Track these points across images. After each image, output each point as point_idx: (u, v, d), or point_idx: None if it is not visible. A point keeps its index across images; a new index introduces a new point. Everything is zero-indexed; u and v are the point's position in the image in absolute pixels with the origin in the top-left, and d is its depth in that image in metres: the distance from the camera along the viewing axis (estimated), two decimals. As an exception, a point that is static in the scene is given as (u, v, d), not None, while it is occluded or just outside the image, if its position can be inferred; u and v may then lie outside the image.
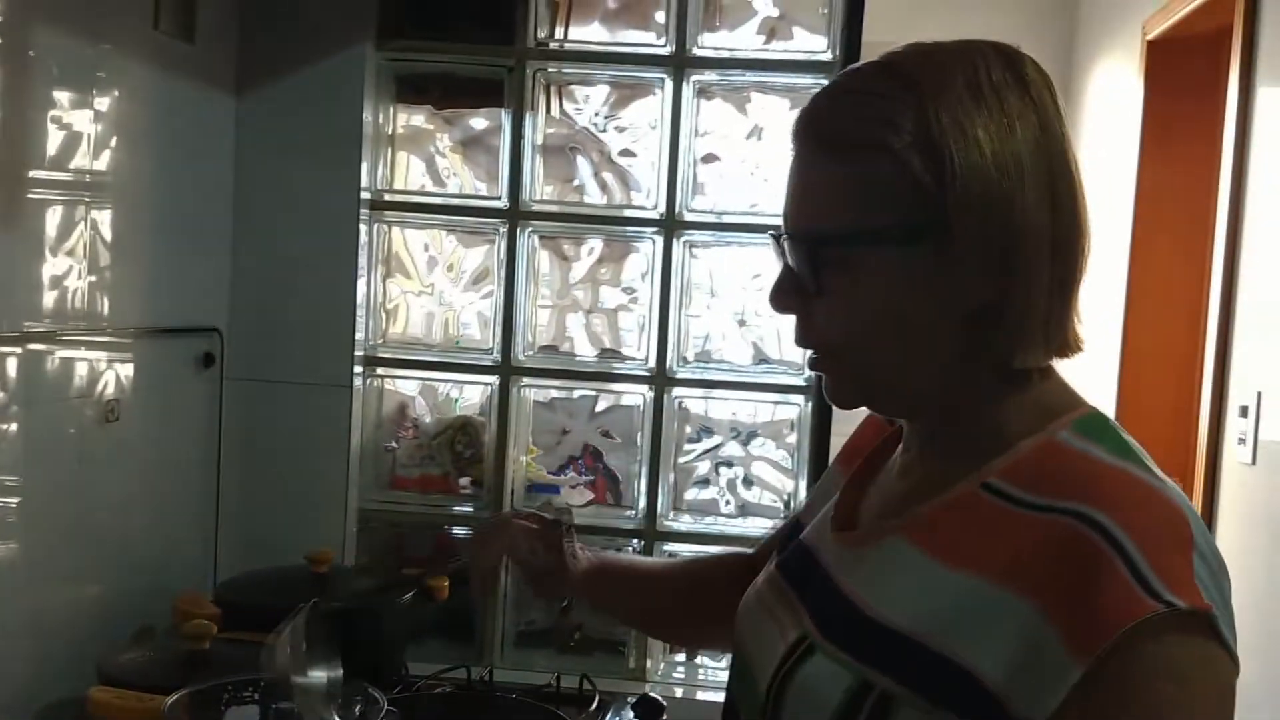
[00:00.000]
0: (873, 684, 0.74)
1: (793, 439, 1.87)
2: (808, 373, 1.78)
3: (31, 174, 1.33)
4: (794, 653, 0.81)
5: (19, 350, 1.30)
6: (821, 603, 0.83)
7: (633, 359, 1.88)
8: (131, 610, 1.49)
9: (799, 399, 1.83)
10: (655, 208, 1.83)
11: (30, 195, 1.33)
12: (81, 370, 1.43)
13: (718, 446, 1.91)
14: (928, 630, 0.73)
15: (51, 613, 1.36)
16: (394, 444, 1.93)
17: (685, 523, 1.87)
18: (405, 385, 1.93)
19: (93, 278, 1.43)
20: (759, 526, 1.85)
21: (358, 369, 1.83)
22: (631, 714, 1.62)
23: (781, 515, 1.88)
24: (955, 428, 0.81)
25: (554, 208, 1.88)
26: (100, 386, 1.47)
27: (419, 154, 1.93)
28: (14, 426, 1.30)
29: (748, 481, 1.94)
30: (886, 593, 0.78)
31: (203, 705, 0.99)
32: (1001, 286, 0.75)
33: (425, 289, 1.93)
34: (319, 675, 1.05)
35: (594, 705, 1.61)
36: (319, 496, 1.80)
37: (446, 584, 1.71)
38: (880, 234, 0.76)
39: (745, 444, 1.92)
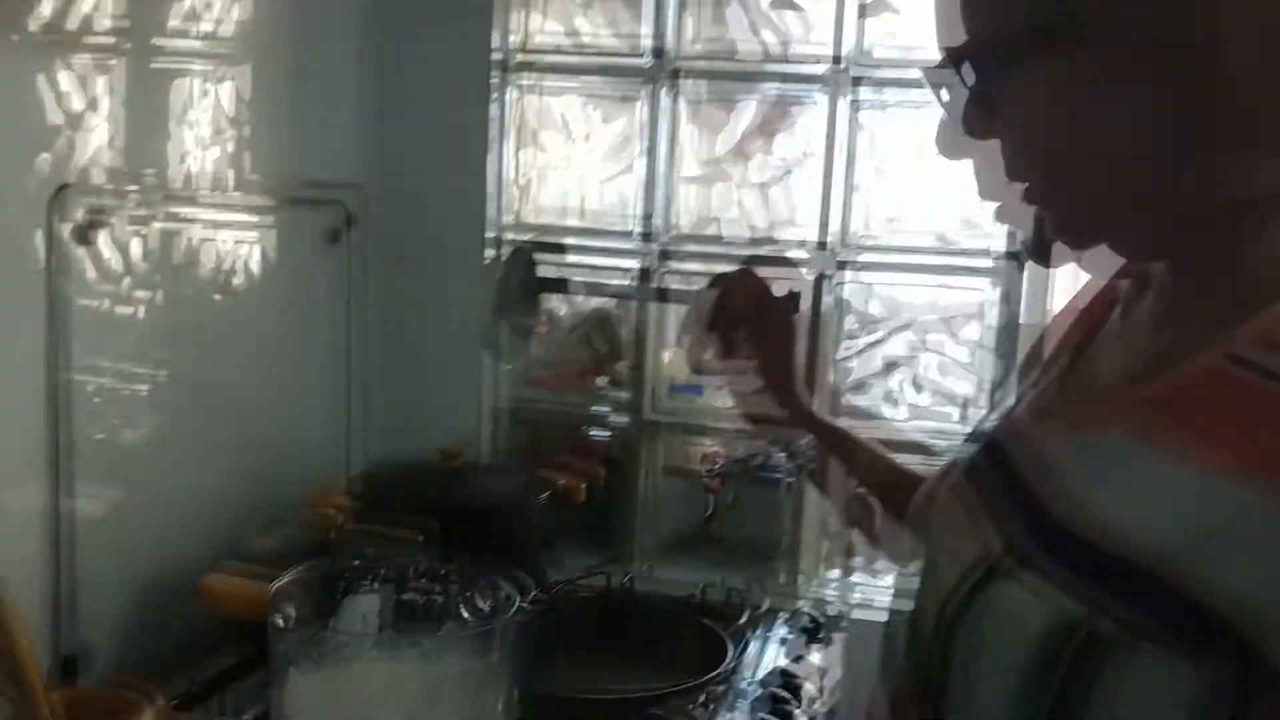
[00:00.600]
0: (1077, 621, 0.56)
1: (975, 332, 1.67)
2: (996, 252, 1.58)
3: (157, 41, 1.23)
4: (972, 577, 0.63)
5: (144, 228, 1.22)
6: (1013, 514, 0.64)
7: (792, 240, 1.69)
8: (262, 500, 1.41)
9: (983, 284, 1.62)
10: (822, 61, 1.62)
11: (155, 64, 1.24)
12: (210, 245, 1.34)
13: (885, 340, 1.72)
14: (1160, 550, 0.54)
15: (180, 499, 1.28)
16: (528, 337, 1.80)
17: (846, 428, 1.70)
18: (540, 271, 1.79)
19: (220, 148, 1.33)
20: (930, 433, 1.66)
21: (489, 252, 1.69)
22: (784, 630, 1.48)
23: (957, 421, 1.69)
24: (1190, 279, 0.62)
25: (704, 64, 1.69)
26: (229, 261, 1.37)
27: (557, 14, 1.75)
28: (142, 305, 1.22)
29: (917, 385, 1.75)
30: (1102, 501, 0.58)
31: (316, 592, 0.88)
32: (1215, 86, 0.58)
33: (562, 163, 1.77)
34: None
35: (742, 619, 1.47)
36: (453, 387, 1.69)
37: (584, 486, 1.59)
38: (1055, 33, 0.61)
39: (919, 338, 1.72)
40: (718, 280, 1.03)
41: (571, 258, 1.73)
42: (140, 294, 1.22)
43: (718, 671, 1.09)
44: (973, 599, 0.62)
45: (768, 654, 1.39)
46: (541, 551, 1.50)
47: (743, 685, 1.24)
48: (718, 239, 1.72)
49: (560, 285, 1.39)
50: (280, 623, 0.74)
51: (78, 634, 1.12)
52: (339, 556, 1.20)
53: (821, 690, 1.31)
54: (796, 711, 1.19)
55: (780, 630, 1.48)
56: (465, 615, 0.91)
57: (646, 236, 1.69)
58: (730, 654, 1.15)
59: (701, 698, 1.13)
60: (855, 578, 1.73)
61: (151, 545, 1.23)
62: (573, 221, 1.76)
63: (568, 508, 1.56)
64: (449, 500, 1.44)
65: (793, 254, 1.67)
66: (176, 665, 1.14)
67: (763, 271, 1.04)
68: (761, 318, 1.00)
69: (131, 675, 1.10)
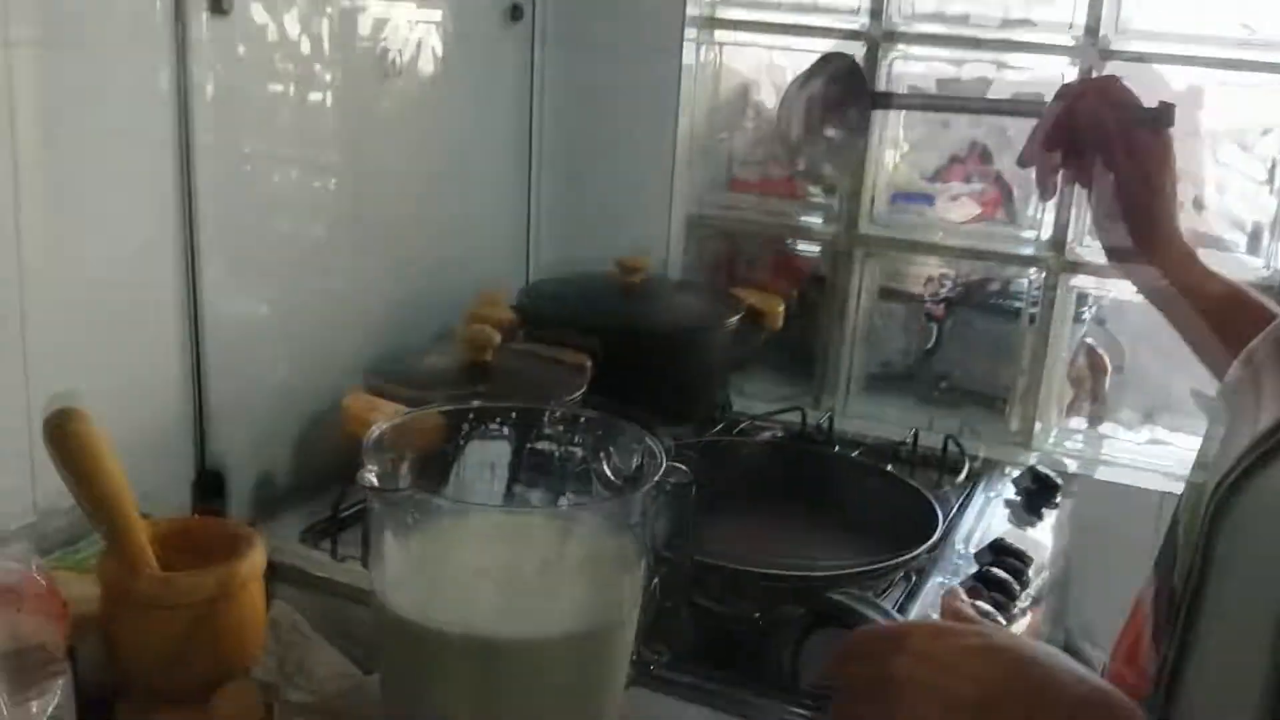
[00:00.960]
0: None
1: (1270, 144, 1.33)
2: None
3: None
4: (1256, 451, 0.53)
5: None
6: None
7: (1049, 22, 1.37)
8: (425, 313, 1.29)
9: None
10: None
11: None
12: (374, 18, 1.17)
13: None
14: None
15: (332, 309, 1.16)
16: (726, 135, 1.57)
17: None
18: (747, 58, 1.54)
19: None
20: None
21: (690, 31, 1.45)
22: (1013, 490, 1.26)
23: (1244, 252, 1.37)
24: None
25: None
26: (395, 39, 1.20)
27: None
28: (292, 85, 1.08)
29: (1197, 203, 1.42)
30: None
31: (438, 432, 0.73)
32: None
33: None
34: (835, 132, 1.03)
35: (962, 474, 1.25)
36: (641, 189, 1.49)
37: (782, 309, 1.39)
38: None
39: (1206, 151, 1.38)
40: (1068, 90, 0.94)
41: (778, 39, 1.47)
42: (290, 73, 1.07)
43: (920, 550, 0.90)
44: (1249, 479, 0.53)
45: (988, 518, 1.18)
46: (727, 383, 1.33)
47: (954, 559, 1.05)
48: (963, 19, 1.41)
49: (886, 100, 1.23)
50: (372, 479, 0.60)
51: (219, 452, 1.04)
52: (492, 380, 1.06)
53: (1048, 568, 1.10)
54: (1018, 595, 0.98)
55: (1005, 489, 1.26)
56: (607, 473, 0.74)
57: (875, 14, 1.41)
58: (940, 523, 0.95)
59: (900, 575, 0.95)
60: (1105, 429, 1.47)
61: (299, 358, 1.13)
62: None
63: (761, 333, 1.37)
64: (624, 319, 1.28)
65: (1051, 40, 1.35)
66: (324, 487, 1.05)
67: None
68: (1127, 133, 0.89)
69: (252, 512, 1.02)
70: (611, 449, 0.74)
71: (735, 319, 1.31)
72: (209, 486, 1.03)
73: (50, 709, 0.72)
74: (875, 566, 0.87)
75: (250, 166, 1.05)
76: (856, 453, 1.22)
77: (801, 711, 0.82)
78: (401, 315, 1.26)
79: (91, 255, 0.91)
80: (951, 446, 1.29)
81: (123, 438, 0.95)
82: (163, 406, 0.99)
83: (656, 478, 0.67)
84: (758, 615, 0.87)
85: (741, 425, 1.31)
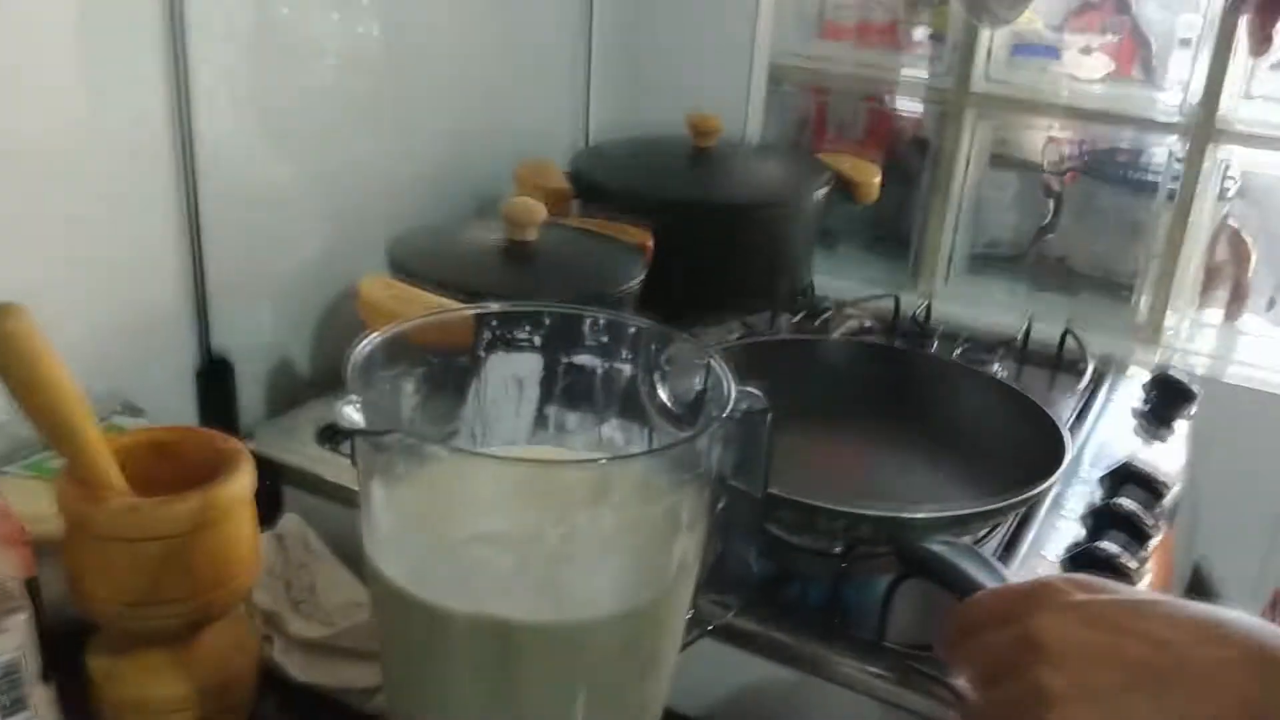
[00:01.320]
0: None
1: None
2: None
3: None
4: None
5: None
6: None
7: None
8: (473, 179, 1.13)
9: None
10: None
11: None
12: None
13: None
14: None
15: (355, 180, 1.01)
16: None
17: (1261, 121, 1.19)
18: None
19: None
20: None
21: None
22: (1140, 396, 1.08)
23: None
24: None
25: None
26: None
27: None
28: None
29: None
30: None
31: (463, 336, 0.59)
32: None
33: None
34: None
35: (1085, 377, 1.08)
36: (713, 38, 1.29)
37: (877, 180, 1.20)
38: None
39: None
40: None
41: None
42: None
43: (1041, 487, 0.74)
44: None
45: (1109, 430, 1.02)
46: (811, 264, 1.16)
47: (1074, 485, 0.89)
48: None
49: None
50: (352, 414, 0.46)
51: (226, 338, 0.91)
52: (532, 265, 0.91)
53: (1177, 490, 0.93)
54: (1150, 533, 0.82)
55: (1129, 394, 1.09)
56: (662, 397, 0.60)
57: None
58: (1067, 450, 0.79)
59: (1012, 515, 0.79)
60: (1245, 325, 1.28)
61: (322, 232, 0.98)
62: None
63: (853, 205, 1.19)
64: (694, 188, 1.11)
65: None
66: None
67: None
68: None
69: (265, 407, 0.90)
70: (667, 367, 0.59)
71: (823, 189, 1.14)
72: (216, 377, 0.91)
73: (7, 654, 0.61)
74: (985, 509, 0.72)
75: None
76: (959, 351, 1.05)
77: (886, 674, 0.68)
78: (442, 186, 1.10)
79: (64, 106, 0.76)
80: (1069, 341, 1.12)
81: (112, 323, 0.83)
82: (159, 287, 0.86)
83: (725, 412, 0.52)
84: (839, 555, 0.73)
85: (826, 314, 1.15)
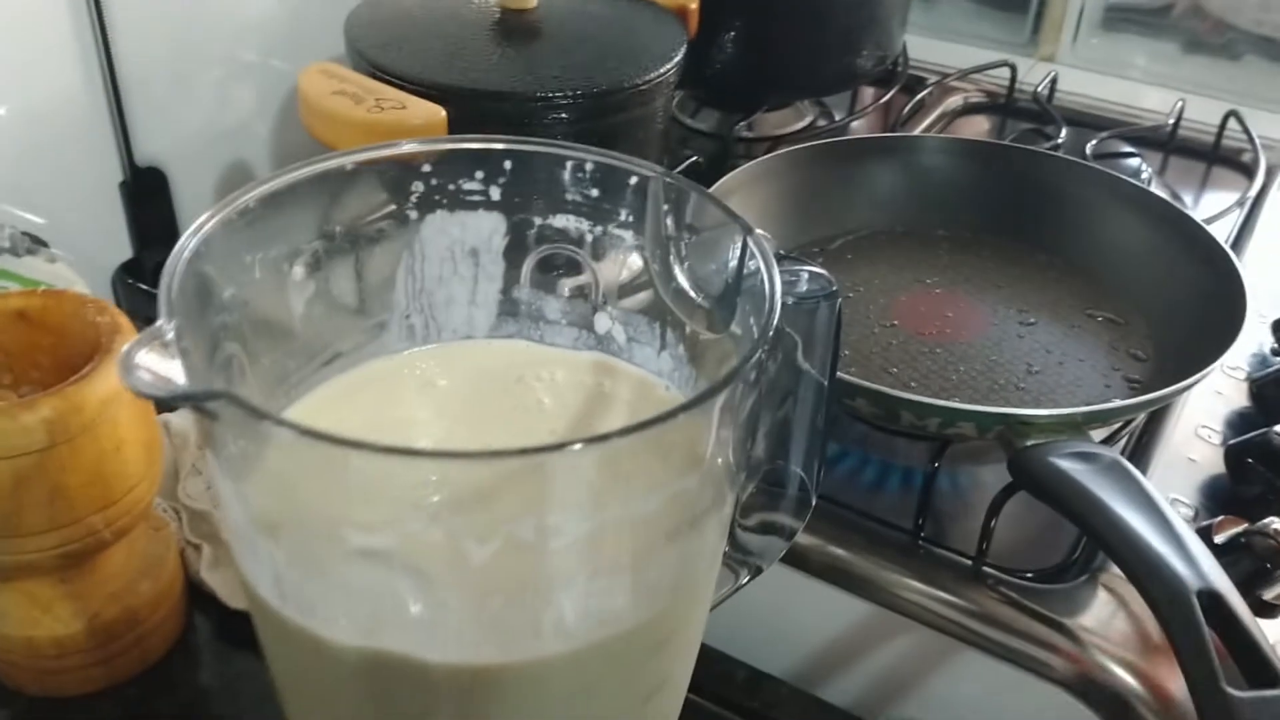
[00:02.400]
0: None
1: None
2: None
3: None
4: None
5: None
6: None
7: None
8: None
9: None
10: None
11: None
12: None
13: None
14: None
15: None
16: None
17: None
18: None
19: None
20: None
21: None
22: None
23: None
24: None
25: None
26: None
27: None
28: None
29: None
30: None
31: (375, 193, 0.40)
32: None
33: None
34: None
35: (1257, 181, 0.84)
36: None
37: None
38: None
39: None
40: None
41: None
42: None
43: (1208, 370, 0.53)
44: None
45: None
46: (905, 22, 0.91)
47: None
48: None
49: None
50: (157, 363, 0.28)
51: (150, 142, 0.72)
52: (532, 48, 0.69)
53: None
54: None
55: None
56: (682, 282, 0.40)
57: None
58: (1244, 311, 0.58)
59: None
60: None
61: (262, 4, 0.77)
62: None
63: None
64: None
65: None
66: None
67: None
68: None
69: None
70: (687, 236, 0.39)
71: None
72: (145, 191, 0.73)
73: None
74: (1128, 403, 0.52)
75: None
76: (1092, 144, 0.82)
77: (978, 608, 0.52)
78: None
79: None
80: (1232, 125, 0.88)
81: (16, 139, 0.65)
82: (59, 86, 0.67)
83: (764, 337, 0.33)
84: (933, 457, 0.55)
85: (925, 89, 0.91)
